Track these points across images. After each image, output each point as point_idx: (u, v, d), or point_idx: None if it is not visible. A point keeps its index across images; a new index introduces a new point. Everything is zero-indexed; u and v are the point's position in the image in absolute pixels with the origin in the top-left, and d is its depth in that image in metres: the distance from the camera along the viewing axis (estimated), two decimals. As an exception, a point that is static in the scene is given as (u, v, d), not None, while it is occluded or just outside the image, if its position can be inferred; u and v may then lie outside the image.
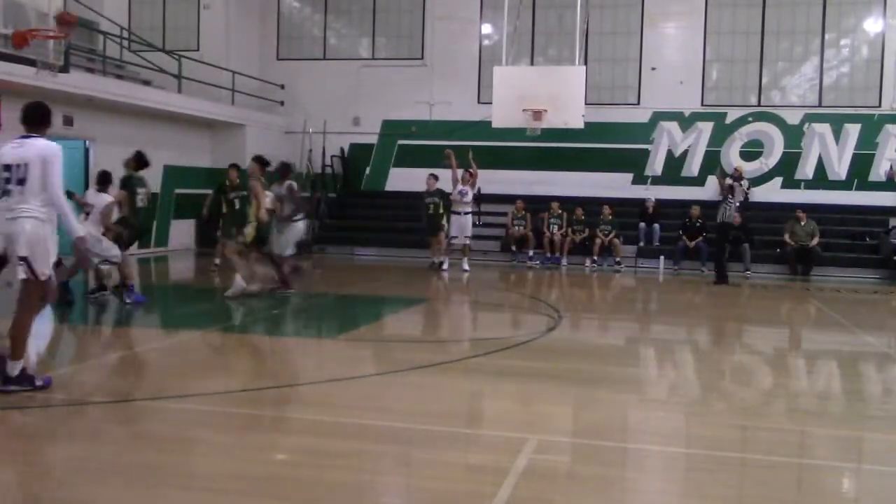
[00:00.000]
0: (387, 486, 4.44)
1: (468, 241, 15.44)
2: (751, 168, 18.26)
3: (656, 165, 18.95)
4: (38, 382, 5.70)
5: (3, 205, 5.65)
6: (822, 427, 5.74)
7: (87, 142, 15.12)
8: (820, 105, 18.36)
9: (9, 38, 9.93)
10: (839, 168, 18.23)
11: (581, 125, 14.93)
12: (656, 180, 18.85)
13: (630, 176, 18.97)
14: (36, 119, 5.84)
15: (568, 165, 18.74)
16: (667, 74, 18.69)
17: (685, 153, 18.82)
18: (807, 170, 18.36)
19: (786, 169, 18.42)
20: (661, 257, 16.90)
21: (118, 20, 18.21)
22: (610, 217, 17.07)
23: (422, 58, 19.89)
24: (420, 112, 19.73)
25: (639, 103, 18.94)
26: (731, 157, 18.48)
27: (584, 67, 15.52)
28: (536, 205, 17.53)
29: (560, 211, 17.28)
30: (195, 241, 18.09)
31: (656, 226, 17.46)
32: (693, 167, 18.79)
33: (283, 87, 20.40)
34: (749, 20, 18.52)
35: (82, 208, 9.63)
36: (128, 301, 9.83)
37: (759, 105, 18.61)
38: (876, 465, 5.11)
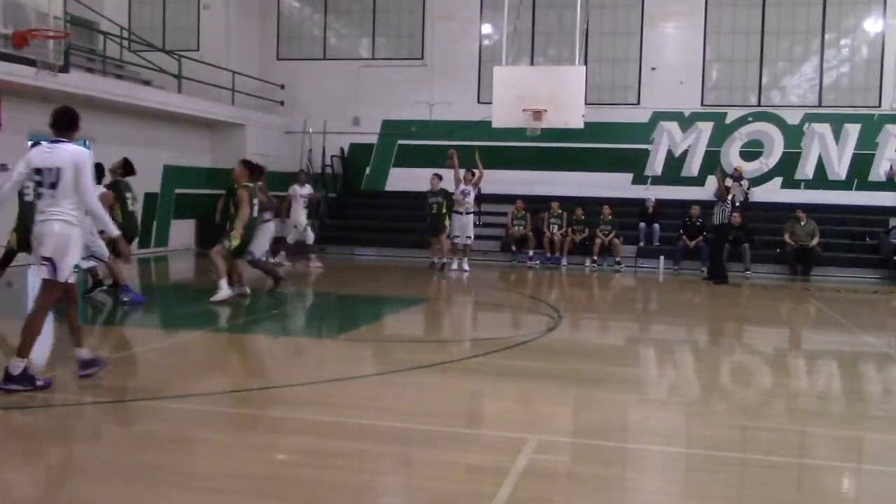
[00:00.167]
0: (387, 486, 4.44)
1: (469, 241, 15.46)
2: (751, 168, 18.28)
3: (656, 165, 18.95)
4: (39, 383, 5.73)
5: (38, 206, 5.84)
6: (822, 427, 5.74)
7: (87, 142, 15.11)
8: (820, 105, 18.36)
9: (9, 38, 9.93)
10: (839, 168, 18.23)
11: (581, 125, 14.92)
12: (656, 180, 18.86)
13: (630, 176, 18.98)
14: (64, 124, 5.95)
15: (568, 165, 18.74)
16: (667, 74, 18.69)
17: (685, 153, 18.83)
18: (807, 170, 18.36)
19: (786, 169, 18.42)
20: (661, 257, 16.90)
21: (118, 20, 18.23)
22: (610, 217, 17.07)
23: (422, 58, 19.89)
24: (420, 112, 19.73)
25: (639, 103, 18.94)
26: (731, 157, 18.49)
27: (584, 67, 15.51)
28: (536, 205, 17.53)
29: (560, 211, 17.28)
30: (195, 241, 18.09)
31: (656, 226, 17.46)
32: (693, 167, 18.79)
33: (283, 87, 20.40)
34: (749, 20, 18.53)
35: None
36: (125, 300, 9.85)
37: (759, 105, 18.61)
38: (876, 465, 5.11)
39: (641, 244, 17.39)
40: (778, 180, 18.46)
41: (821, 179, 18.26)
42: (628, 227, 17.38)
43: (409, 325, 10.07)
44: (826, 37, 18.26)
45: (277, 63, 20.62)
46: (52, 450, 4.80)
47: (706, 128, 18.73)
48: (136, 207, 10.99)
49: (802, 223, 16.38)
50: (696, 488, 4.47)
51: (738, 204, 15.34)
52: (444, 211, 15.18)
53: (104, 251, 9.68)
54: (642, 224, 17.53)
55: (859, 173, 18.11)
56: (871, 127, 18.06)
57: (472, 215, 15.59)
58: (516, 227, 17.27)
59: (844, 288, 14.53)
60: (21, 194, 9.53)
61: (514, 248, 17.31)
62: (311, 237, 15.19)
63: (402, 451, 4.89)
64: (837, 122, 18.19)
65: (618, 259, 16.80)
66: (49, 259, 5.69)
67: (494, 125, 15.27)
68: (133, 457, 4.59)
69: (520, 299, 12.53)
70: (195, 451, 4.81)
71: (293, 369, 7.19)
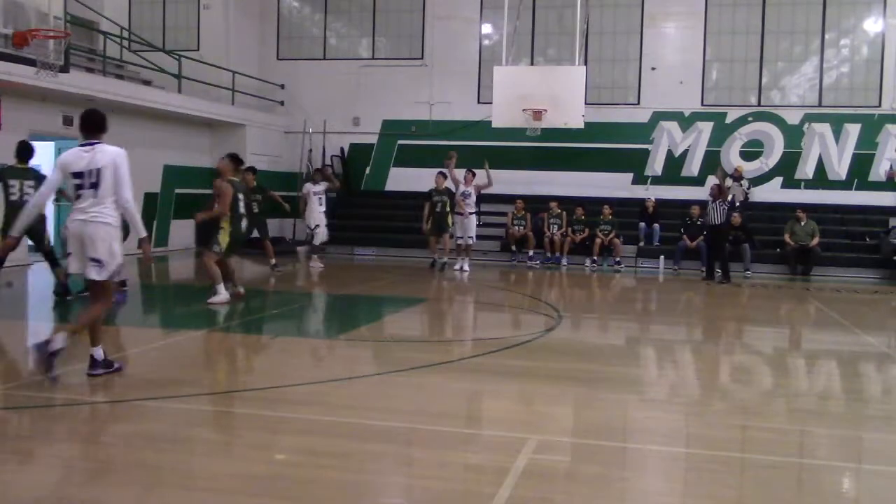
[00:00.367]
0: (387, 485, 4.43)
1: (471, 242, 15.45)
2: (751, 168, 18.29)
3: (656, 165, 18.96)
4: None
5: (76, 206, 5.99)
6: (822, 427, 5.74)
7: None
8: (820, 105, 18.37)
9: (9, 38, 9.93)
10: (839, 168, 18.24)
11: (581, 125, 14.93)
12: (656, 180, 18.86)
13: (630, 176, 18.98)
14: (94, 125, 6.08)
15: (568, 165, 18.75)
16: (667, 74, 18.69)
17: (685, 153, 18.83)
18: (807, 170, 18.36)
19: (786, 169, 18.43)
20: (661, 257, 16.91)
21: (118, 20, 18.24)
22: (610, 217, 17.07)
23: (422, 58, 19.89)
24: (420, 112, 19.73)
25: (639, 103, 18.94)
26: (731, 157, 18.50)
27: (584, 67, 15.53)
28: (536, 205, 17.54)
29: (560, 211, 17.28)
30: (195, 241, 18.07)
31: (656, 226, 17.47)
32: (693, 167, 18.79)
33: (283, 87, 20.41)
34: (749, 20, 18.53)
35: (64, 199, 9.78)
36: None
37: (759, 105, 18.61)
38: (876, 465, 5.10)
39: (641, 244, 17.39)
40: (778, 180, 18.47)
41: (821, 179, 18.26)
42: (628, 227, 17.38)
43: (409, 325, 10.07)
44: (826, 37, 18.26)
45: (277, 63, 20.63)
46: (52, 450, 4.79)
47: (706, 128, 18.73)
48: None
49: (802, 223, 16.38)
50: (696, 488, 4.46)
51: (738, 204, 15.34)
52: (447, 210, 15.17)
53: None
54: (642, 224, 17.53)
55: (859, 173, 18.11)
56: (871, 127, 18.06)
57: (473, 216, 15.57)
58: (516, 227, 17.27)
59: (844, 288, 14.53)
60: (7, 194, 9.54)
61: (514, 248, 17.31)
62: (322, 237, 15.10)
63: (402, 451, 4.89)
64: (837, 122, 18.19)
65: (618, 259, 16.80)
66: (98, 260, 5.90)
67: (494, 125, 15.28)
68: (132, 457, 4.59)
69: (520, 299, 12.53)
70: (194, 450, 4.81)
71: (293, 369, 7.18)
